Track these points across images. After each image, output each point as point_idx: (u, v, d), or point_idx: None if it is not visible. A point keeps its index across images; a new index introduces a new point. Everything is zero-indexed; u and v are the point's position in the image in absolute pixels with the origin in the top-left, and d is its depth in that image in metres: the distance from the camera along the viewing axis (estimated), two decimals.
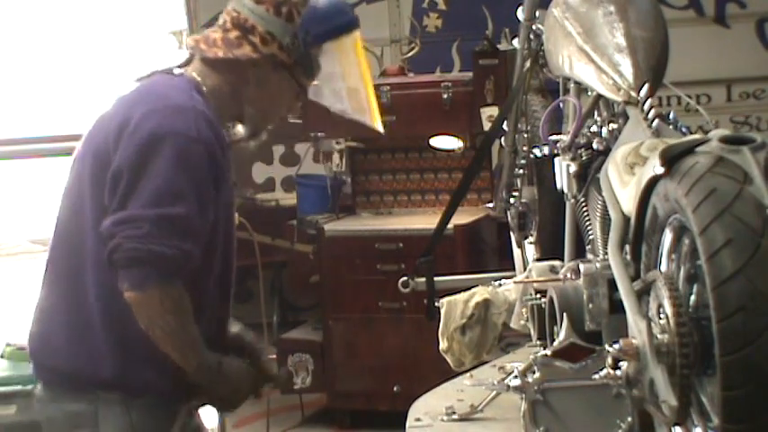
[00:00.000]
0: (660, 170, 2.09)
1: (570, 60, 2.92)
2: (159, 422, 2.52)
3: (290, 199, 6.28)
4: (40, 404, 2.54)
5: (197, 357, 2.43)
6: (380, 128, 2.96)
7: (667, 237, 2.20)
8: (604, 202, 2.62)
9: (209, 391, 2.52)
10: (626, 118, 2.69)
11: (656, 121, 2.51)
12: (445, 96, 5.70)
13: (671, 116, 2.69)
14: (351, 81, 2.71)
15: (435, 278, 3.62)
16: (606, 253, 2.56)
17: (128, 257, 2.29)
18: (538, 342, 2.91)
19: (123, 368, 2.44)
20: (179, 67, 2.58)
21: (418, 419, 3.01)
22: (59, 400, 2.48)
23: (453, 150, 5.84)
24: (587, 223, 2.88)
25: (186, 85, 2.48)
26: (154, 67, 2.59)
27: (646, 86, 2.61)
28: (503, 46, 5.73)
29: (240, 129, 2.58)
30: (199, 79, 2.51)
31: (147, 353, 2.41)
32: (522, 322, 3.12)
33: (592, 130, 2.90)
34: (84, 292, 2.43)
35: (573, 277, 2.69)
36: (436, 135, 5.83)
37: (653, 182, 2.15)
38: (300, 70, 2.56)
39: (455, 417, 2.98)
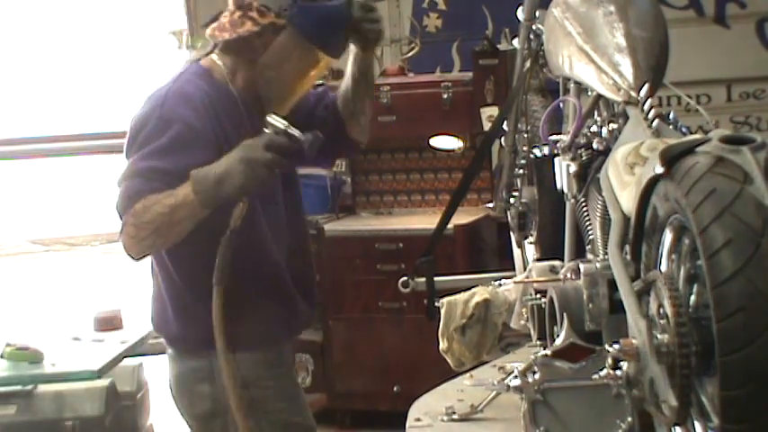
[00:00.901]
0: (660, 170, 2.09)
1: (570, 60, 2.92)
2: (267, 367, 2.86)
3: None
4: (170, 362, 2.90)
5: (182, 209, 2.65)
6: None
7: (667, 237, 2.20)
8: (604, 202, 2.62)
9: (238, 191, 2.69)
10: (626, 118, 2.69)
11: (656, 121, 2.51)
12: (445, 96, 5.70)
13: (671, 116, 2.69)
14: (284, 76, 2.83)
15: (435, 278, 3.62)
16: (606, 253, 2.55)
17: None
18: (538, 342, 2.91)
19: (202, 330, 2.73)
20: (197, 59, 2.88)
21: (418, 419, 3.02)
22: (182, 358, 2.87)
23: (453, 150, 5.84)
24: (587, 223, 2.88)
25: (182, 71, 2.80)
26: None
27: (646, 86, 2.61)
28: (503, 46, 5.73)
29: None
30: (217, 64, 2.82)
31: (234, 312, 2.73)
32: (522, 322, 3.12)
33: (592, 130, 2.90)
34: (167, 268, 2.83)
35: (573, 277, 2.69)
36: (436, 135, 5.83)
37: (653, 182, 2.15)
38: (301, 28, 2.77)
39: (455, 417, 2.98)
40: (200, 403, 2.90)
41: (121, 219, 2.69)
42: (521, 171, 3.74)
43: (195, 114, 2.71)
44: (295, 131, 2.69)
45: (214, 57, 2.83)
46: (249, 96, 2.83)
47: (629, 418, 2.48)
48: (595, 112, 2.95)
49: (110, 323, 4.40)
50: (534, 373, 2.57)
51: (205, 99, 2.74)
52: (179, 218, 2.65)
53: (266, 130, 2.70)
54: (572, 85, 3.07)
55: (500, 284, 3.46)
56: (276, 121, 2.69)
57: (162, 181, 2.65)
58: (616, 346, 2.17)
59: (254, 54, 2.76)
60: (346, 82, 3.05)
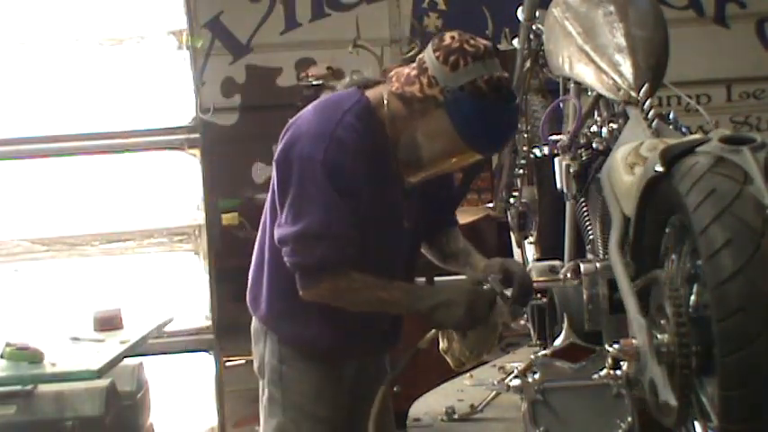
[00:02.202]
0: (660, 170, 2.09)
1: (570, 60, 2.92)
2: (307, 358, 2.93)
3: None
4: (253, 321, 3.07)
5: (387, 306, 2.84)
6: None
7: (667, 237, 2.20)
8: (604, 202, 2.62)
9: (428, 317, 2.82)
10: (626, 118, 2.69)
11: (656, 121, 2.51)
12: None
13: (671, 116, 2.70)
14: (425, 149, 2.79)
15: (435, 278, 3.60)
16: (606, 253, 2.56)
17: (291, 267, 2.81)
18: (538, 342, 2.92)
19: (271, 315, 2.96)
20: (376, 82, 2.87)
21: (418, 419, 3.02)
22: (255, 318, 3.05)
23: None
24: (587, 223, 2.88)
25: (348, 107, 2.80)
26: (358, 75, 2.95)
27: (646, 86, 2.61)
28: (503, 46, 5.73)
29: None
30: (384, 104, 2.80)
31: (288, 311, 2.90)
32: (522, 322, 3.12)
33: (592, 130, 2.90)
34: (262, 256, 2.97)
35: (573, 277, 2.69)
36: None
37: (653, 182, 2.15)
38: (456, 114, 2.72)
39: (455, 417, 2.99)
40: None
41: (307, 272, 2.79)
42: (521, 171, 3.74)
43: (352, 167, 2.77)
44: (508, 297, 2.78)
45: (385, 94, 2.81)
46: (396, 146, 2.84)
47: (629, 418, 2.48)
48: (595, 112, 2.95)
49: (110, 323, 4.38)
50: (534, 373, 2.57)
51: (360, 147, 2.77)
52: (381, 307, 2.85)
53: (487, 285, 2.79)
54: (572, 85, 3.07)
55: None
56: (497, 283, 2.78)
57: (345, 246, 2.76)
58: (616, 346, 2.17)
59: (411, 115, 2.76)
60: (458, 251, 3.05)
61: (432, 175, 2.84)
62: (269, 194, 2.92)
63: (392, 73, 2.83)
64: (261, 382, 3.06)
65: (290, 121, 2.88)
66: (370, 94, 2.85)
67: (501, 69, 2.70)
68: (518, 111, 2.81)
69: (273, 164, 2.85)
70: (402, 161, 2.82)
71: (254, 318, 3.05)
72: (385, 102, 2.80)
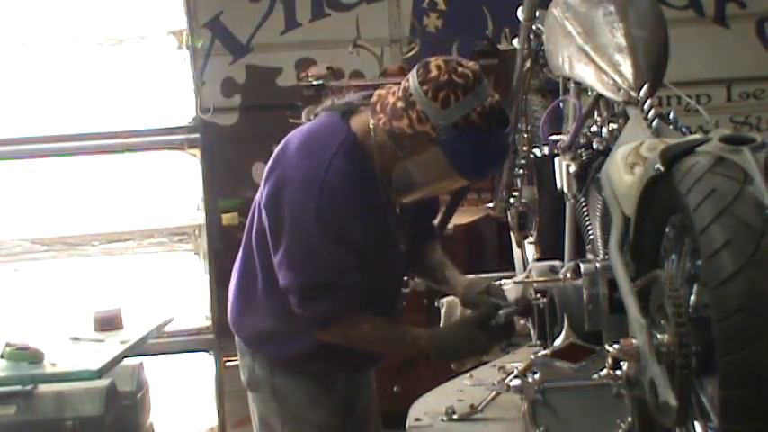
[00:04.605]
0: (660, 170, 2.09)
1: (570, 60, 2.92)
2: (292, 375, 2.93)
3: None
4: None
5: (387, 349, 2.93)
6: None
7: (667, 237, 2.20)
8: (604, 202, 2.62)
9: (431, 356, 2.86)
10: (626, 118, 2.69)
11: (656, 121, 2.51)
12: None
13: (671, 116, 2.69)
14: (423, 187, 2.80)
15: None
16: (606, 253, 2.56)
17: (300, 316, 2.80)
18: (538, 342, 2.92)
19: (258, 339, 2.96)
20: (360, 104, 2.79)
21: (418, 419, 3.02)
22: (238, 338, 3.05)
23: None
24: (587, 223, 2.88)
25: (336, 149, 2.72)
26: (340, 100, 2.85)
27: (646, 86, 2.61)
28: (503, 46, 5.73)
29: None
30: (370, 135, 2.74)
31: (276, 336, 2.90)
32: (522, 322, 3.12)
33: (592, 130, 2.90)
34: (251, 281, 2.91)
35: (573, 277, 2.69)
36: None
37: (653, 182, 2.15)
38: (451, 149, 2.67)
39: (455, 417, 2.98)
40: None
41: (315, 322, 2.79)
42: (521, 171, 3.74)
43: (346, 212, 2.73)
44: (512, 317, 2.84)
45: (371, 124, 2.74)
46: (385, 175, 2.81)
47: (629, 418, 2.48)
48: (595, 112, 2.95)
49: (110, 323, 4.39)
50: (534, 373, 2.57)
51: (351, 190, 2.72)
52: (392, 351, 2.98)
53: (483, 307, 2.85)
54: (572, 85, 3.07)
55: (500, 284, 3.46)
56: (501, 310, 2.83)
57: (350, 293, 2.75)
58: (616, 346, 2.17)
59: (400, 150, 2.70)
60: (434, 265, 3.08)
61: (424, 197, 2.84)
62: (253, 223, 2.85)
63: (375, 98, 2.73)
64: (251, 396, 3.03)
65: (274, 155, 2.80)
66: (355, 124, 2.77)
67: (491, 92, 2.65)
68: (513, 130, 2.78)
69: (262, 207, 2.79)
70: (393, 188, 2.78)
71: (237, 338, 3.02)
72: (371, 133, 2.74)
